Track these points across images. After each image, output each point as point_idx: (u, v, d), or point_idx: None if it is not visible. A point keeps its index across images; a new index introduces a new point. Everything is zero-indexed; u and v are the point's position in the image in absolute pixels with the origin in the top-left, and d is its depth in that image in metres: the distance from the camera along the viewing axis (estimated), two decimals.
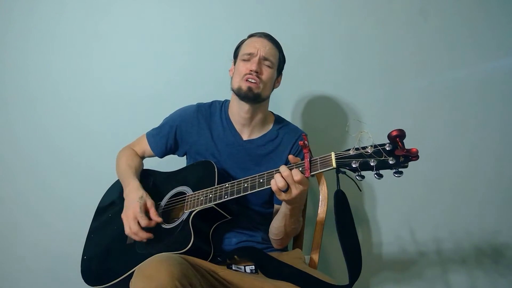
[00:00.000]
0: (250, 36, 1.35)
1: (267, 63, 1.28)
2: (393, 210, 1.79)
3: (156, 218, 1.19)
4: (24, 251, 1.72)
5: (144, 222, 1.17)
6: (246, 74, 1.27)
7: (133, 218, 1.17)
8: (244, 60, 1.29)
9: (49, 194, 1.71)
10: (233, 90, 1.32)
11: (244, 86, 1.26)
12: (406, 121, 1.69)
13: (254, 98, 1.27)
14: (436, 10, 1.73)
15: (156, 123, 1.43)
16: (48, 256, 1.71)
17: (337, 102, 1.73)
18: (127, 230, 1.18)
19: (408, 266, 1.80)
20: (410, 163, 0.92)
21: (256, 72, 1.26)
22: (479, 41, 1.74)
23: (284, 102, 1.71)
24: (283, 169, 1.04)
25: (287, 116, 1.52)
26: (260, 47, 1.28)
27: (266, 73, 1.28)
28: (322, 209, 1.39)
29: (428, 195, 1.78)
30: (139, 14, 1.67)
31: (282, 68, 1.38)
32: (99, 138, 1.70)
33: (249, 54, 1.28)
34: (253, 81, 1.26)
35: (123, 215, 1.21)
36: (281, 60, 1.35)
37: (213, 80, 1.51)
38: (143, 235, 1.17)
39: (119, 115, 1.70)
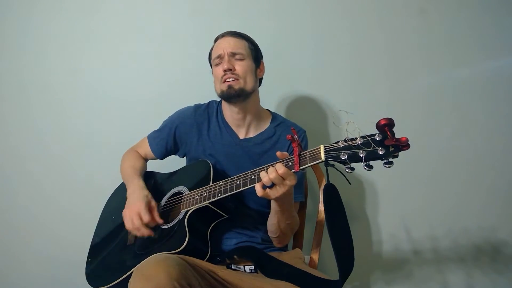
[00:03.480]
0: (215, 40, 1.35)
1: (237, 57, 1.28)
2: (389, 207, 1.75)
3: (158, 219, 1.22)
4: (26, 258, 1.75)
5: (147, 218, 1.19)
6: (222, 77, 1.28)
7: (136, 214, 1.20)
8: (216, 65, 1.31)
9: (50, 201, 1.73)
10: (219, 96, 1.34)
11: (224, 87, 1.28)
12: (407, 120, 1.65)
13: (238, 94, 1.27)
14: (439, 8, 1.70)
15: (157, 125, 1.45)
16: (51, 262, 1.74)
17: (337, 102, 1.72)
18: (128, 225, 1.20)
19: (404, 265, 1.75)
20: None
21: (230, 69, 1.27)
22: (483, 39, 1.70)
23: (277, 100, 1.71)
24: (271, 170, 1.02)
25: (280, 113, 1.51)
26: (225, 46, 1.29)
27: (240, 66, 1.28)
28: (322, 208, 1.37)
29: (426, 192, 1.74)
30: (138, 14, 1.69)
31: (260, 56, 1.37)
32: (99, 142, 1.71)
33: (218, 57, 1.30)
34: (230, 79, 1.27)
35: (124, 211, 1.23)
36: (253, 49, 1.34)
37: (212, 80, 1.52)
38: (145, 232, 1.19)
39: (119, 118, 1.72)
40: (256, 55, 1.35)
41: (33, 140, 1.73)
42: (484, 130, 1.72)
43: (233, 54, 1.28)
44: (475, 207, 1.73)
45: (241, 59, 1.29)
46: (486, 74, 1.71)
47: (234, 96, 1.28)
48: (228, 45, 1.30)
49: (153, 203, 1.25)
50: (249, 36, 1.36)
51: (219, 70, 1.29)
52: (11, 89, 1.72)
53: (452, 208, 1.74)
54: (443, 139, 1.73)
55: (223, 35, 1.33)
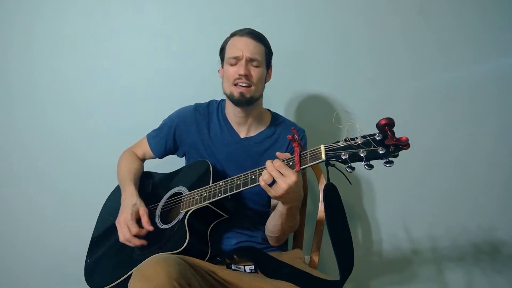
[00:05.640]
0: (233, 35, 1.31)
1: (254, 63, 1.26)
2: (388, 207, 1.76)
3: (147, 226, 1.19)
4: (29, 250, 1.75)
5: (134, 230, 1.17)
6: (235, 79, 1.25)
7: (125, 225, 1.18)
8: (231, 65, 1.27)
9: (54, 194, 1.74)
10: (225, 94, 1.32)
11: (236, 92, 1.26)
12: (401, 120, 1.64)
13: (247, 102, 1.27)
14: (432, 10, 1.72)
15: (159, 122, 1.44)
16: (54, 255, 1.74)
17: (334, 101, 1.73)
18: (120, 237, 1.19)
19: (403, 264, 1.76)
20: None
21: (246, 75, 1.24)
22: (474, 42, 1.72)
23: (278, 99, 1.71)
24: (268, 163, 1.03)
25: (281, 112, 1.52)
26: (244, 49, 1.25)
27: (255, 73, 1.26)
28: (322, 208, 1.37)
29: (424, 191, 1.76)
30: (139, 14, 1.70)
31: (270, 61, 1.35)
32: (103, 138, 1.72)
33: (235, 57, 1.25)
34: (243, 84, 1.25)
35: (116, 222, 1.22)
36: (268, 54, 1.32)
37: (212, 80, 1.53)
38: (136, 242, 1.17)
39: (124, 115, 1.72)
40: (268, 60, 1.33)
41: (39, 135, 1.73)
42: (483, 129, 1.74)
43: (251, 60, 1.25)
44: (474, 206, 1.75)
45: (257, 66, 1.26)
46: (478, 75, 1.73)
47: (243, 103, 1.27)
48: (247, 48, 1.25)
49: (142, 210, 1.21)
50: (265, 39, 1.32)
51: (233, 71, 1.25)
52: (21, 87, 1.72)
53: (451, 207, 1.75)
54: (442, 138, 1.74)
55: (242, 34, 1.28)
